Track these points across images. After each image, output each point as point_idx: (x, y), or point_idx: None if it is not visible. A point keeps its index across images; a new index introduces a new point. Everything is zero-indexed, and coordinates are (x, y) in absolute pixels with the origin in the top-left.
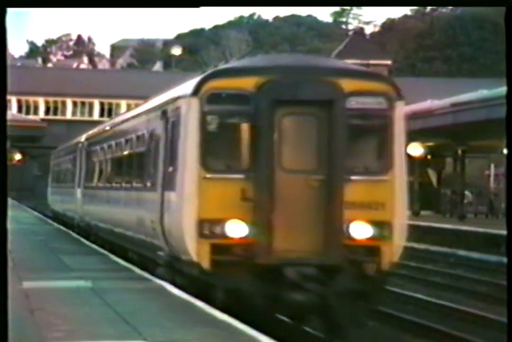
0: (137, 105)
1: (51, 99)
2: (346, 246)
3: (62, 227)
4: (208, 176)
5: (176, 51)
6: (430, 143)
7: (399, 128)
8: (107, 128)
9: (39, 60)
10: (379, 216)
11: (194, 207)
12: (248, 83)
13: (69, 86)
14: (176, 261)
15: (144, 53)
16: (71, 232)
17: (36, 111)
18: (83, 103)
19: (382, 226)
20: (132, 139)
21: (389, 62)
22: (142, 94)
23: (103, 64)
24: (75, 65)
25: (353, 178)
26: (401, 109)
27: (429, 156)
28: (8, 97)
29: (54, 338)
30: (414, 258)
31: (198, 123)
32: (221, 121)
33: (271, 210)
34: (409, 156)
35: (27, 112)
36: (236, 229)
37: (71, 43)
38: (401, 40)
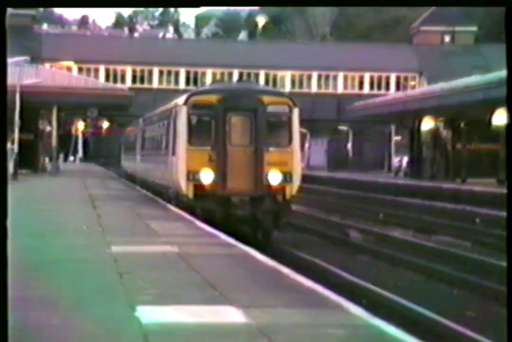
0: (165, 105)
1: (138, 68)
2: (266, 185)
3: (149, 194)
4: (191, 148)
5: (261, 20)
6: None
7: (295, 122)
8: (152, 116)
9: (126, 30)
10: (285, 169)
11: (184, 164)
12: (212, 98)
13: (156, 56)
14: (177, 194)
15: (229, 22)
16: (158, 199)
17: (123, 80)
18: (169, 72)
19: (286, 175)
20: (159, 125)
21: (474, 28)
22: (228, 63)
23: (188, 34)
24: (160, 35)
25: (270, 149)
26: (296, 112)
27: None
28: (97, 66)
29: (143, 301)
30: None
31: (186, 120)
32: (198, 119)
33: (224, 166)
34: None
35: (115, 81)
36: (207, 176)
37: (156, 13)
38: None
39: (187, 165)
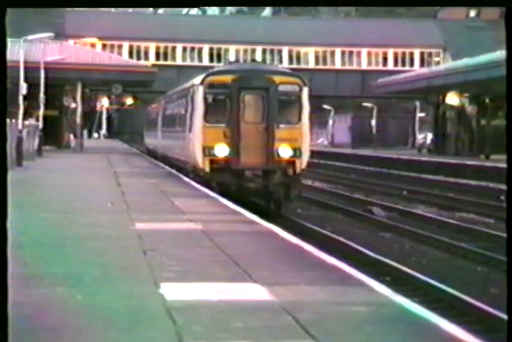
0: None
1: (161, 44)
2: (277, 160)
3: (173, 171)
4: (207, 125)
5: None
6: None
7: (305, 101)
8: (172, 94)
9: None
10: (294, 145)
11: (200, 140)
12: (227, 78)
13: (179, 32)
14: (195, 169)
15: None
16: (181, 176)
17: (147, 57)
18: (192, 49)
19: (296, 150)
20: (178, 104)
21: None
22: (251, 40)
23: (212, 11)
24: (184, 11)
25: (281, 125)
26: (306, 91)
27: None
28: (120, 42)
29: (167, 278)
30: None
31: (202, 99)
32: (213, 98)
33: (238, 142)
34: None
35: (138, 58)
36: (222, 151)
37: None
38: None
39: (203, 141)
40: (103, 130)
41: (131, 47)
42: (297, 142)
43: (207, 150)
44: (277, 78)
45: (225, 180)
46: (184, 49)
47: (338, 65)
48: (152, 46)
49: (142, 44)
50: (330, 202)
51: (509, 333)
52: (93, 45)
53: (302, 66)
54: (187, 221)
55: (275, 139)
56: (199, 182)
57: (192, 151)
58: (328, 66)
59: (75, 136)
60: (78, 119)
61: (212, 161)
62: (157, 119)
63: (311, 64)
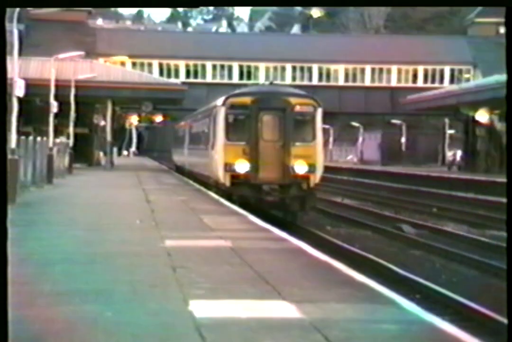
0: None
1: (191, 62)
2: (293, 175)
3: (202, 188)
4: (228, 143)
5: (315, 13)
6: None
7: (319, 121)
8: (197, 114)
9: (179, 24)
10: (309, 161)
11: (222, 157)
12: (247, 100)
13: (209, 50)
14: (217, 183)
15: (282, 16)
16: (210, 193)
17: (177, 75)
18: (222, 67)
19: (310, 166)
20: (203, 123)
21: None
22: (281, 57)
23: (242, 28)
24: (214, 29)
25: (296, 143)
26: (320, 112)
27: None
28: (150, 60)
29: (196, 295)
30: None
31: (224, 119)
32: (234, 118)
33: (257, 158)
34: None
35: (169, 76)
36: (242, 167)
37: (211, 7)
38: None
39: (225, 158)
40: (133, 148)
41: (161, 65)
42: (312, 159)
43: (228, 166)
44: (293, 100)
45: (244, 193)
46: (214, 67)
47: (367, 82)
48: (182, 64)
49: (172, 62)
50: (360, 219)
51: (510, 336)
52: (123, 63)
53: (332, 83)
54: (216, 238)
55: (291, 156)
56: (221, 195)
57: (215, 167)
58: (358, 83)
59: (105, 154)
60: (108, 137)
61: (232, 177)
62: (184, 137)
63: (341, 81)
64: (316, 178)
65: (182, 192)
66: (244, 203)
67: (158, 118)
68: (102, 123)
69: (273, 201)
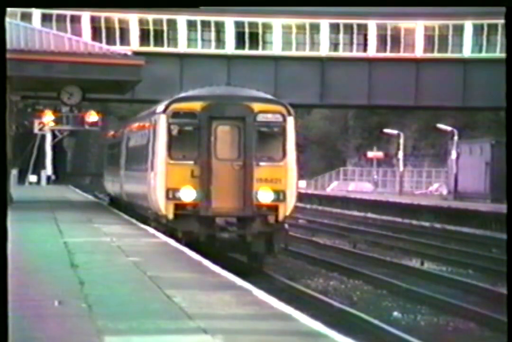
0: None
1: (150, 17)
2: (255, 205)
3: (170, 240)
4: (172, 162)
5: None
6: None
7: (290, 133)
8: (135, 121)
9: None
10: (277, 187)
11: (163, 181)
12: (195, 106)
13: None
14: (157, 215)
15: None
16: (185, 250)
17: (124, 38)
18: (205, 24)
19: (279, 193)
20: (140, 135)
21: None
22: (309, 9)
23: None
24: None
25: (261, 163)
26: (291, 121)
27: None
28: (77, 12)
29: None
30: None
31: (166, 130)
32: (179, 129)
33: (209, 183)
34: None
35: (109, 40)
36: (189, 194)
37: None
38: None
39: (167, 181)
40: (48, 170)
41: (95, 21)
42: (281, 183)
43: (171, 193)
44: (255, 106)
45: (192, 229)
46: (191, 24)
47: (467, 51)
48: (133, 19)
49: (116, 16)
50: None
51: (509, 333)
52: (24, 16)
53: (402, 54)
54: (198, 332)
55: (253, 180)
56: (163, 232)
57: (154, 194)
58: (450, 54)
59: None
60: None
61: (177, 207)
62: (118, 154)
63: (419, 50)
64: (286, 208)
65: (134, 248)
66: (191, 241)
67: (92, 117)
68: None
69: (230, 238)
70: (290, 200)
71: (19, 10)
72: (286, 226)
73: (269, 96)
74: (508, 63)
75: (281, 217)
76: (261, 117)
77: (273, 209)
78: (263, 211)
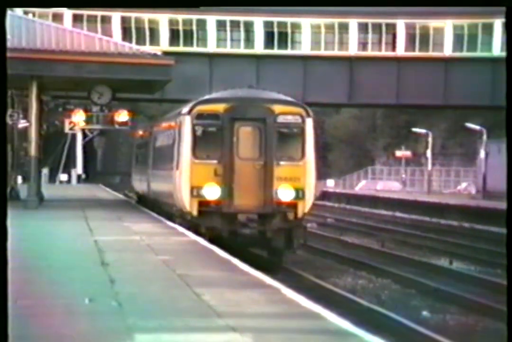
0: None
1: (180, 17)
2: (275, 202)
3: (199, 239)
4: (196, 161)
5: None
6: None
7: (309, 134)
8: (161, 122)
9: None
10: (296, 185)
11: (188, 179)
12: (219, 107)
13: None
14: (182, 212)
15: None
16: (214, 248)
17: (154, 38)
18: (235, 24)
19: (298, 191)
20: (167, 135)
21: None
22: (337, 9)
23: None
24: None
25: (281, 163)
26: (310, 123)
27: None
28: (107, 13)
29: None
30: None
31: (190, 131)
32: (203, 130)
33: (231, 181)
34: None
35: (140, 40)
36: (212, 192)
37: None
38: None
39: (191, 180)
40: (78, 169)
41: (125, 21)
42: (300, 182)
43: (196, 191)
44: (276, 108)
45: (215, 225)
46: (220, 24)
47: (496, 49)
48: (163, 20)
49: (146, 16)
50: None
51: (509, 333)
52: (55, 17)
53: (431, 53)
54: (226, 330)
55: (274, 179)
56: (187, 228)
57: (179, 191)
58: (478, 52)
59: (26, 179)
60: (32, 150)
61: (201, 204)
62: (146, 153)
63: (448, 49)
64: (305, 205)
65: (164, 248)
66: (214, 236)
67: (121, 116)
68: (22, 124)
69: (251, 234)
70: (308, 198)
71: (50, 11)
72: (305, 223)
73: (289, 99)
74: (508, 63)
75: (300, 214)
76: (281, 119)
77: (293, 206)
78: (283, 208)
